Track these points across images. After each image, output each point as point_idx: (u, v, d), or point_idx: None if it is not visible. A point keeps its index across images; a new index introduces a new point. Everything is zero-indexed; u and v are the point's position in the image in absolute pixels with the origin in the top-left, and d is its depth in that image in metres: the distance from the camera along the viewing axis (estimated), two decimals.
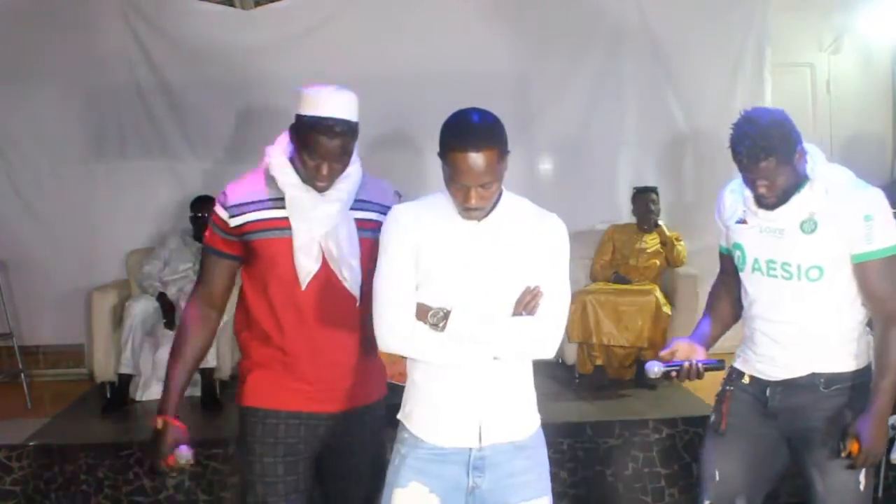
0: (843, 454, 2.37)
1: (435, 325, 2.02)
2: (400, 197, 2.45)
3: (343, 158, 2.26)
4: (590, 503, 4.26)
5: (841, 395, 2.45)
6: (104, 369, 5.09)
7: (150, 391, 5.02)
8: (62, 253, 5.68)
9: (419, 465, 2.10)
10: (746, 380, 2.59)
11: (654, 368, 2.46)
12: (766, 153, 2.30)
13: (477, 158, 1.98)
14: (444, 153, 2.02)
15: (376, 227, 2.26)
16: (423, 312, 2.04)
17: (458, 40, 5.74)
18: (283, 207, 2.28)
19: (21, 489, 4.18)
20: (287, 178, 2.27)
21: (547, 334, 2.06)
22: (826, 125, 6.30)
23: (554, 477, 4.18)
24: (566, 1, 5.90)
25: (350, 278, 2.30)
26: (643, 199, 5.53)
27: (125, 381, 5.04)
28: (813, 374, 2.46)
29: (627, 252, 5.50)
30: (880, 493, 4.15)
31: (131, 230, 5.69)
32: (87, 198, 5.72)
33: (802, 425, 2.49)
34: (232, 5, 5.82)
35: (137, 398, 5.05)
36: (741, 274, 2.57)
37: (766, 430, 2.55)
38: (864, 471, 2.41)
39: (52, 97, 5.63)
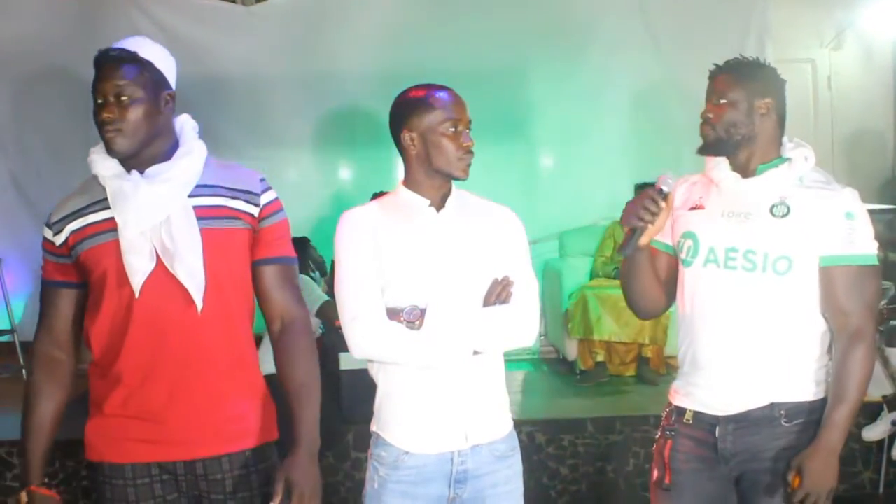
0: (787, 489, 2.01)
1: (411, 324, 1.95)
2: (263, 181, 2.02)
3: (134, 100, 1.85)
4: (591, 499, 4.26)
5: (803, 431, 2.06)
6: None
7: None
8: None
9: (402, 489, 2.02)
10: (689, 417, 2.15)
11: (670, 180, 2.21)
12: (728, 69, 2.19)
13: (458, 95, 2.02)
14: (422, 105, 2.00)
15: (226, 214, 1.93)
16: (395, 314, 1.97)
17: (459, 38, 5.74)
18: (108, 207, 1.91)
19: (22, 485, 4.18)
20: (106, 170, 1.91)
21: (525, 322, 2.04)
22: (827, 121, 6.28)
23: (555, 473, 4.26)
24: None
25: (190, 280, 1.88)
26: None
27: None
28: (772, 405, 2.07)
29: None
30: (881, 490, 4.16)
31: None
32: None
33: (753, 468, 2.10)
34: (233, 1, 5.82)
35: None
36: (688, 270, 2.17)
37: (717, 484, 2.14)
38: None
39: (52, 92, 5.63)
